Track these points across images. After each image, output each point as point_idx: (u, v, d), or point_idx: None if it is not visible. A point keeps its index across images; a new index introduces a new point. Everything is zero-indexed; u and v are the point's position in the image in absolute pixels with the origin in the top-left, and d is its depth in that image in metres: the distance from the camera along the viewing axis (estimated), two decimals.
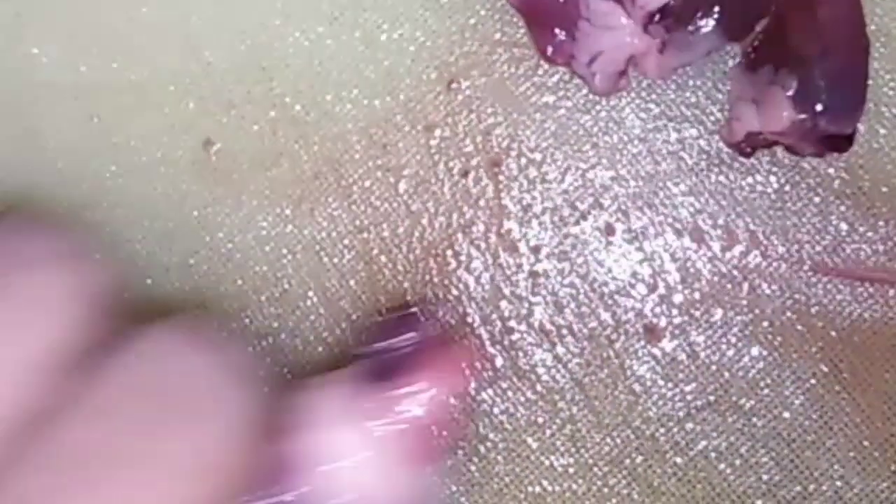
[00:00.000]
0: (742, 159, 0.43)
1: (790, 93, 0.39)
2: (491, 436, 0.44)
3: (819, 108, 0.39)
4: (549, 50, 0.42)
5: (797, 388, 0.43)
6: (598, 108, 0.43)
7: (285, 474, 0.36)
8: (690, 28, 0.40)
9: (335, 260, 0.44)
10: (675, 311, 0.43)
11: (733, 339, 0.43)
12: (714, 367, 0.43)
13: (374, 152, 0.44)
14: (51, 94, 0.44)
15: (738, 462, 0.43)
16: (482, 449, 0.44)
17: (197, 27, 0.44)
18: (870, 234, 0.43)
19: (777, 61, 0.40)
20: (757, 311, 0.43)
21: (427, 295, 0.44)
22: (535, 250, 0.44)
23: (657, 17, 0.40)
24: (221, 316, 0.44)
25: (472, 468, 0.44)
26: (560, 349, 0.43)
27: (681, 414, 0.43)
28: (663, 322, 0.43)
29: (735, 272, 0.43)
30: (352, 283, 0.44)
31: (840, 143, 0.40)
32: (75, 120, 0.44)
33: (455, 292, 0.44)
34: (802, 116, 0.39)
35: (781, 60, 0.40)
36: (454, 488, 0.43)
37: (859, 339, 0.43)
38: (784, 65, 0.39)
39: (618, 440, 0.43)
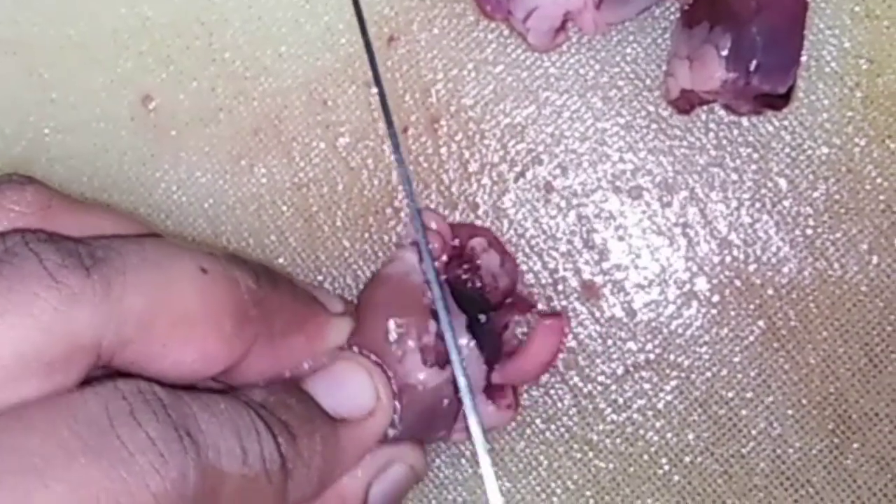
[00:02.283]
0: (681, 116, 0.43)
1: (724, 52, 0.39)
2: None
3: (752, 66, 0.38)
4: (488, 6, 0.42)
5: (735, 346, 0.43)
6: (537, 64, 0.43)
7: None
8: None
9: (274, 216, 0.44)
10: (612, 269, 0.43)
11: (671, 297, 0.43)
12: (652, 325, 0.43)
13: (314, 108, 0.44)
14: None
15: (675, 420, 0.43)
16: None
17: None
18: (809, 191, 0.43)
19: (713, 18, 0.39)
20: (695, 268, 0.43)
21: (366, 252, 0.44)
22: (474, 207, 0.43)
23: None
24: None
25: None
26: None
27: (619, 371, 0.43)
28: (601, 279, 0.43)
29: (674, 229, 0.43)
30: (291, 239, 0.44)
31: (776, 101, 0.40)
32: (14, 76, 0.44)
33: (394, 249, 0.44)
34: (734, 75, 0.38)
35: (717, 17, 0.39)
36: None
37: (797, 296, 0.43)
38: (719, 22, 0.39)
39: (555, 397, 0.43)
